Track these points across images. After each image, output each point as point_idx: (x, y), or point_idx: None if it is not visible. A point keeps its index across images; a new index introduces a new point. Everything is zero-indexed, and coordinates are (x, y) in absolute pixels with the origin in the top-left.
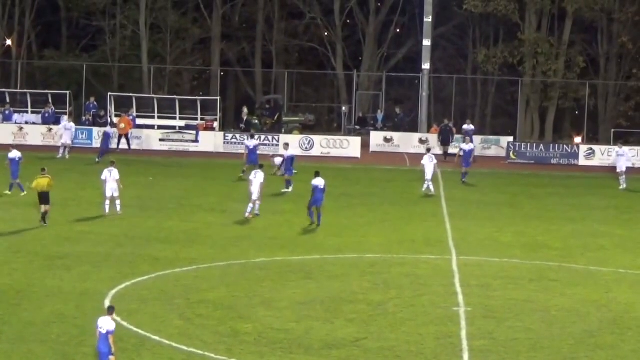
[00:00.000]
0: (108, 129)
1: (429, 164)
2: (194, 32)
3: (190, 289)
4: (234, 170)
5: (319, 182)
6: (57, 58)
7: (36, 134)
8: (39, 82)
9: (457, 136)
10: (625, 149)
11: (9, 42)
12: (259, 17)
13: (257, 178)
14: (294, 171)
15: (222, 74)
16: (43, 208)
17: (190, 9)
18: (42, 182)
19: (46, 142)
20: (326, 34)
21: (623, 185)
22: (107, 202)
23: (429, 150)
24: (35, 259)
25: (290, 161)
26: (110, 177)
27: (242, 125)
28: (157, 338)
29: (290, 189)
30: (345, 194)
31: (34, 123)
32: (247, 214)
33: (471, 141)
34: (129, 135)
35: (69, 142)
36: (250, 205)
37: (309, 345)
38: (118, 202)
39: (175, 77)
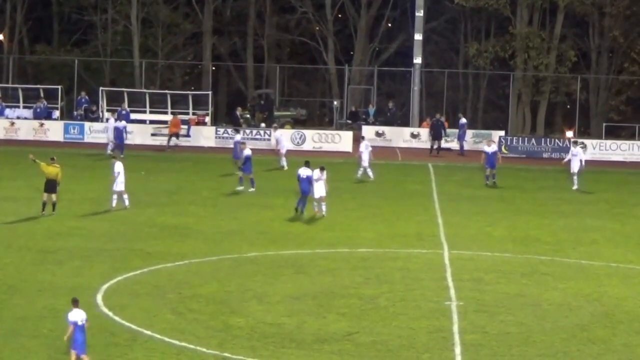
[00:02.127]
0: (118, 123)
1: (365, 151)
2: (186, 26)
3: (182, 283)
4: (225, 165)
5: (303, 172)
6: (49, 53)
7: (28, 129)
8: (30, 76)
9: (451, 130)
10: (579, 149)
11: (0, 36)
12: (251, 11)
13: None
14: (250, 170)
15: (213, 68)
16: (46, 197)
17: (181, 4)
18: (52, 170)
19: (38, 137)
20: (318, 28)
21: (575, 186)
22: (115, 196)
23: (363, 138)
24: (27, 254)
25: (248, 160)
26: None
27: (241, 122)
28: (149, 332)
29: (253, 189)
30: (337, 188)
31: (25, 118)
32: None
33: (463, 138)
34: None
35: (112, 139)
36: (315, 203)
37: (301, 339)
38: (126, 195)
39: (166, 72)
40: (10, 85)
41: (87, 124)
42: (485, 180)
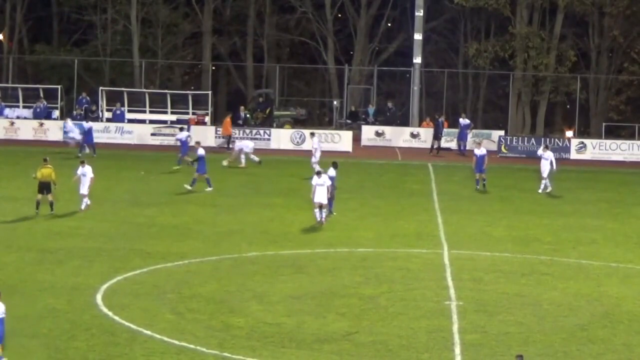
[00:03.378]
0: (90, 124)
1: (318, 148)
2: (185, 26)
3: (181, 283)
4: (225, 165)
5: (330, 173)
6: (49, 52)
7: (27, 129)
8: (30, 76)
9: (450, 130)
10: (549, 153)
11: (0, 36)
12: (250, 11)
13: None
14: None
15: (213, 68)
16: (41, 197)
17: (181, 4)
18: (45, 172)
19: (37, 137)
20: (317, 28)
21: (543, 189)
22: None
23: (312, 134)
24: (27, 254)
25: (202, 160)
26: (85, 175)
27: (240, 122)
28: (148, 332)
29: (211, 188)
30: (336, 188)
31: (25, 118)
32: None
33: (465, 139)
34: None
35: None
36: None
37: (300, 339)
38: (86, 199)
39: (166, 72)
40: (10, 85)
41: (86, 124)
42: (476, 184)
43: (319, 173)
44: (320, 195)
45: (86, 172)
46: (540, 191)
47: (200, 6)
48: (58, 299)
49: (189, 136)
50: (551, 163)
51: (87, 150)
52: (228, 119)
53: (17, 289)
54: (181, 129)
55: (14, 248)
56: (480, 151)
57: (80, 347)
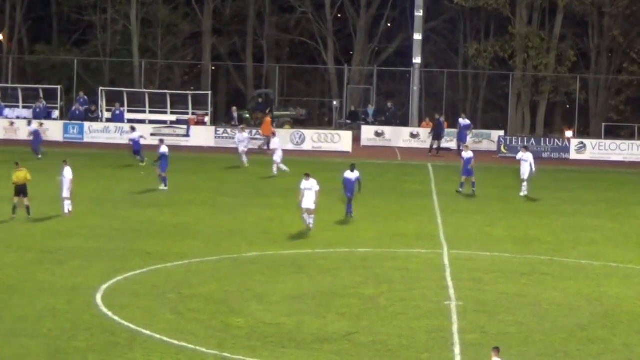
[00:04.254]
0: (38, 126)
1: (279, 148)
2: (185, 26)
3: (181, 283)
4: (225, 165)
5: (348, 175)
6: (48, 52)
7: (27, 129)
8: (29, 76)
9: (450, 130)
10: (529, 154)
11: (0, 36)
12: (250, 11)
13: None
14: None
15: (213, 68)
16: (17, 200)
17: (181, 4)
18: (19, 175)
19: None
20: (317, 28)
21: (524, 192)
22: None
23: (274, 134)
24: (26, 254)
25: (164, 158)
26: (65, 177)
27: (234, 122)
28: (148, 332)
29: (165, 187)
30: (336, 188)
31: (25, 118)
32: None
33: (464, 139)
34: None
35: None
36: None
37: (300, 339)
38: (68, 202)
39: (166, 72)
40: (9, 85)
41: (86, 124)
42: (459, 186)
43: (307, 176)
44: (308, 201)
45: (66, 174)
46: (521, 194)
47: (200, 6)
48: (58, 299)
49: (141, 136)
50: (530, 165)
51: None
52: (268, 119)
53: (17, 289)
54: (132, 129)
55: (14, 248)
56: (467, 154)
57: (80, 347)
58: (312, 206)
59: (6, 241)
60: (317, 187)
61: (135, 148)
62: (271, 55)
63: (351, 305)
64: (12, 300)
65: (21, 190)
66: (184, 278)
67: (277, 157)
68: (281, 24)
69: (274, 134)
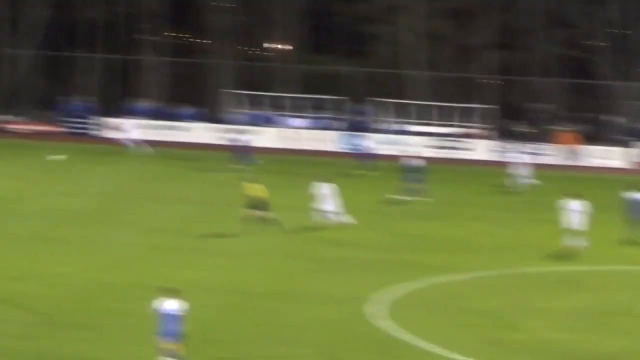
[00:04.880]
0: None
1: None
2: (467, 41)
3: (460, 297)
4: (500, 180)
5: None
6: (331, 63)
7: (307, 139)
8: (314, 86)
9: None
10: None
11: (288, 47)
12: (535, 26)
13: None
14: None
15: (499, 82)
16: (253, 213)
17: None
18: (257, 189)
19: (317, 147)
20: (592, 44)
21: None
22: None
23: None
24: (300, 262)
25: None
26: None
27: (513, 137)
28: (423, 344)
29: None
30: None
31: (307, 128)
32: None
33: None
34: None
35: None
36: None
37: (575, 357)
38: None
39: (443, 85)
40: (297, 95)
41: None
42: None
43: (575, 195)
44: (573, 222)
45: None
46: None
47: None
48: (329, 308)
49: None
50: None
51: None
52: (568, 134)
53: (287, 297)
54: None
55: (289, 256)
56: None
57: (354, 359)
58: (579, 227)
59: (282, 249)
60: (586, 209)
61: (364, 157)
62: (549, 69)
63: (635, 325)
64: (283, 308)
65: (259, 204)
66: (461, 291)
67: (522, 170)
68: (560, 38)
69: (573, 149)
